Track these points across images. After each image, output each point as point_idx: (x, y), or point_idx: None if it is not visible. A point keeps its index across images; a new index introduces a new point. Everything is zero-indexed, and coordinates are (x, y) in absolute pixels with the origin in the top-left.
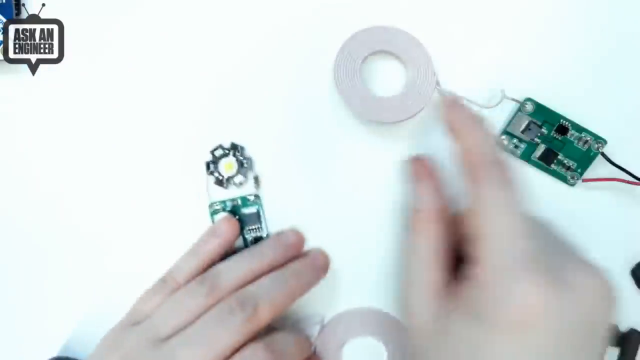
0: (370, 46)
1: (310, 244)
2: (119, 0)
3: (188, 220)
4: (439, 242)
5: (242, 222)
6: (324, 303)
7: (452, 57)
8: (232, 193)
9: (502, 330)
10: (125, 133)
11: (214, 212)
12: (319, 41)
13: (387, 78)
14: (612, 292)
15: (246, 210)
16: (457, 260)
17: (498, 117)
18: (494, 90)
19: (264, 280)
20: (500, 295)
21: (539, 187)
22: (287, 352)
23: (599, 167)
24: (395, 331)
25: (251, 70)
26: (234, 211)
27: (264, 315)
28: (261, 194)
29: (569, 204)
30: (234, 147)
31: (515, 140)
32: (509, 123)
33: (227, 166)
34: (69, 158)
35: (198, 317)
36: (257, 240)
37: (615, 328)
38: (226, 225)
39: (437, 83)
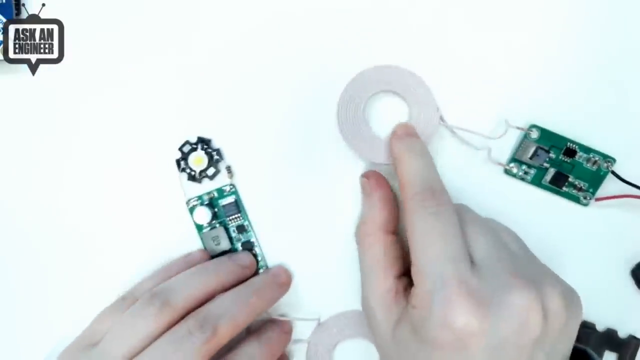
0: (371, 87)
1: (303, 240)
2: (119, 1)
3: (170, 221)
4: (384, 252)
5: (222, 213)
6: (321, 303)
7: (454, 91)
8: (207, 187)
9: (438, 347)
10: (125, 133)
11: (192, 209)
12: (318, 84)
13: (390, 117)
14: (550, 305)
15: (224, 201)
16: None
17: (505, 146)
18: (498, 120)
19: (224, 298)
20: (433, 315)
21: (553, 210)
22: None
23: (610, 185)
24: None
25: (251, 75)
26: (212, 204)
27: (224, 335)
28: (239, 183)
29: (585, 224)
30: (201, 141)
31: (524, 167)
32: (516, 150)
33: (197, 160)
34: (69, 158)
35: (153, 338)
36: (240, 228)
37: (614, 333)
38: (199, 255)
39: (441, 118)
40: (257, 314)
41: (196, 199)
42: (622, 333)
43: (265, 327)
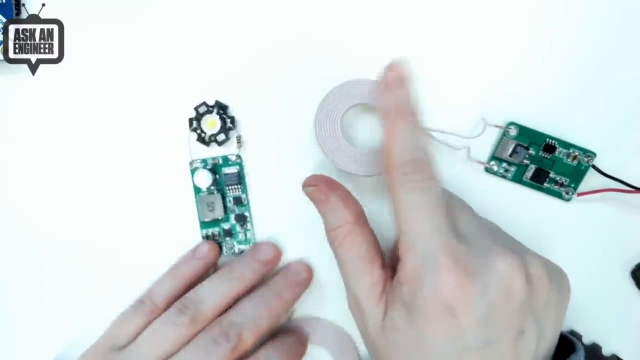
0: (347, 101)
1: (296, 225)
2: (118, 1)
3: (170, 181)
4: (365, 246)
5: (222, 181)
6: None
7: (429, 93)
8: (214, 152)
9: (431, 319)
10: (125, 133)
11: (194, 170)
12: (298, 96)
13: (367, 129)
14: (533, 271)
15: (227, 170)
16: None
17: (484, 144)
18: (476, 119)
19: (246, 305)
20: (424, 287)
21: (535, 206)
22: None
23: (591, 180)
24: (345, 345)
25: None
26: (215, 170)
27: (248, 342)
28: (244, 155)
29: (568, 219)
30: (218, 105)
31: (504, 165)
32: (496, 148)
33: (210, 123)
34: (69, 157)
35: (182, 344)
36: (237, 200)
37: (599, 349)
38: (207, 248)
39: None
40: (280, 316)
41: (200, 161)
42: (607, 351)
43: (275, 279)
